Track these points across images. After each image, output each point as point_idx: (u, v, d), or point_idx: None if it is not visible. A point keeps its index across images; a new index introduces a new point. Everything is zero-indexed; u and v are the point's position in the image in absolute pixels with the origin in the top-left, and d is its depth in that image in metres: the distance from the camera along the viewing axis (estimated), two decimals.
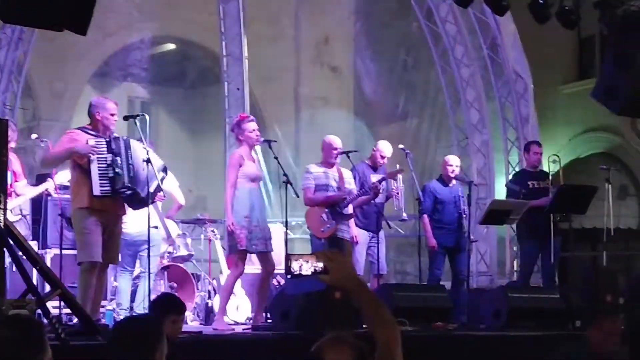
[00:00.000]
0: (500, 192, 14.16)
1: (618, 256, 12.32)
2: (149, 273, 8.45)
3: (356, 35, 19.09)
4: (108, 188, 7.48)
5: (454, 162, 10.56)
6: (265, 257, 8.79)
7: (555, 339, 8.29)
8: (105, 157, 7.50)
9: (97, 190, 7.45)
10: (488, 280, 14.34)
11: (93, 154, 7.45)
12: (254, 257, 9.21)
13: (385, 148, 10.14)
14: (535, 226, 10.10)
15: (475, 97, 15.07)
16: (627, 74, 9.14)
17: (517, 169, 14.54)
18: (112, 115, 7.71)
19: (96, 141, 7.52)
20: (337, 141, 9.76)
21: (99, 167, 7.47)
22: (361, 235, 9.83)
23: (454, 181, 10.51)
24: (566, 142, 17.60)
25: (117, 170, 7.47)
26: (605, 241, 10.95)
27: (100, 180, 7.46)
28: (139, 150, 7.73)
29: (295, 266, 3.17)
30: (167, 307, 5.86)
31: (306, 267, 3.17)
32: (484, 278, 14.47)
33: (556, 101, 18.28)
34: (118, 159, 7.51)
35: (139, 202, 7.86)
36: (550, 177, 10.62)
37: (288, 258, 3.18)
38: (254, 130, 8.81)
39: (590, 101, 9.70)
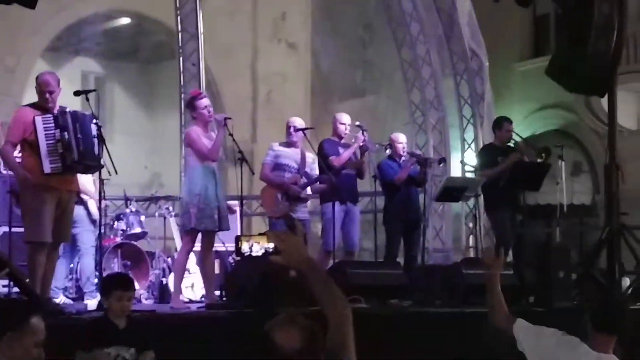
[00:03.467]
0: (456, 169, 14.22)
1: (572, 232, 12.40)
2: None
3: (314, 12, 19.02)
4: (59, 164, 7.33)
5: (403, 140, 10.57)
6: (208, 234, 8.60)
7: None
8: (54, 133, 7.33)
9: (47, 168, 7.28)
10: (443, 257, 14.39)
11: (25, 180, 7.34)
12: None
13: (343, 116, 10.09)
14: (507, 199, 10.02)
15: (431, 74, 15.09)
16: (581, 53, 9.20)
17: (472, 146, 14.61)
18: (53, 91, 7.48)
19: (43, 117, 7.36)
20: (297, 121, 9.70)
21: (47, 143, 7.28)
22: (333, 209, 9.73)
23: (403, 158, 10.50)
24: (522, 119, 17.70)
25: (66, 145, 7.33)
26: (559, 217, 11.02)
27: (49, 157, 7.30)
28: (88, 122, 7.58)
29: (245, 247, 3.14)
30: (111, 283, 5.82)
31: (257, 247, 3.14)
32: (439, 255, 14.52)
33: (512, 78, 18.39)
34: (66, 133, 7.34)
35: (90, 170, 7.84)
36: None
37: (238, 239, 3.15)
38: (206, 107, 8.68)
39: (545, 79, 9.74)
